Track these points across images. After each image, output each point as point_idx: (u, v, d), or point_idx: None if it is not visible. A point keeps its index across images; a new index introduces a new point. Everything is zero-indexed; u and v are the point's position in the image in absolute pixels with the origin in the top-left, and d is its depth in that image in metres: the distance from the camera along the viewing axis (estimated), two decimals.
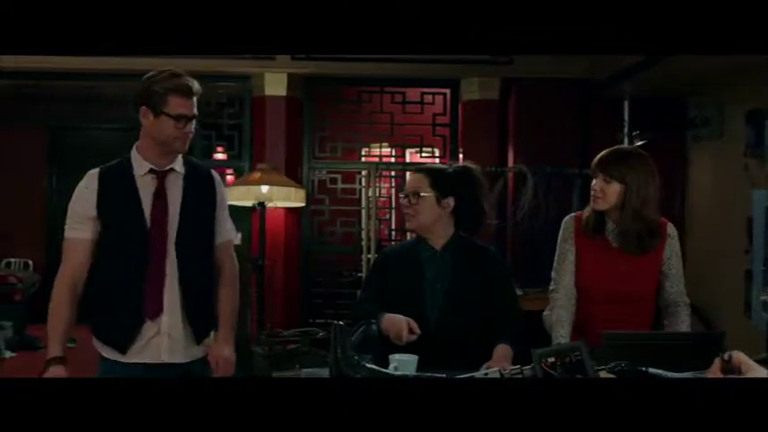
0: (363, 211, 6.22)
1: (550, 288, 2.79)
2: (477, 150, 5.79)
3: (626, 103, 5.80)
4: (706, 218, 5.48)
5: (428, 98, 6.28)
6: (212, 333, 2.68)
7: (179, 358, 2.55)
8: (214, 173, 2.70)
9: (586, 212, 2.76)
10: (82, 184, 2.55)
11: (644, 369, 1.98)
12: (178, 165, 2.58)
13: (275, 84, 5.94)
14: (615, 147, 2.82)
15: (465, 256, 2.71)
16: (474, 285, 2.67)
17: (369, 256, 5.60)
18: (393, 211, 6.48)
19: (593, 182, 2.70)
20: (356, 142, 6.39)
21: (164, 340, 2.52)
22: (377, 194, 5.96)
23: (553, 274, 2.79)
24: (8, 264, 7.55)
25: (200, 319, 2.59)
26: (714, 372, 1.47)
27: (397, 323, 2.52)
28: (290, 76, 5.96)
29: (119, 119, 7.74)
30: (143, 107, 2.50)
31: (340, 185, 6.28)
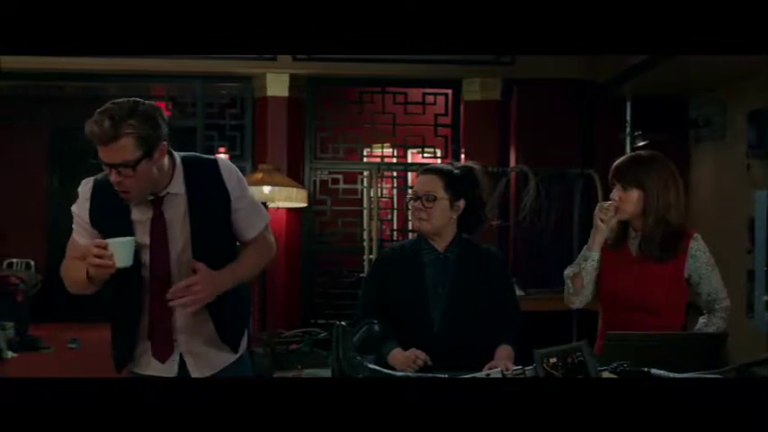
0: (365, 212, 6.21)
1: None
2: (478, 151, 5.78)
3: (628, 104, 5.80)
4: (708, 218, 5.47)
5: (430, 99, 6.28)
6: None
7: (205, 373, 2.43)
8: (222, 163, 2.39)
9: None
10: (79, 189, 2.36)
11: (646, 370, 1.98)
12: (176, 186, 2.31)
13: (277, 84, 5.94)
14: (631, 153, 2.71)
15: (467, 258, 2.70)
16: (476, 287, 2.67)
17: (370, 256, 5.58)
18: (395, 212, 6.45)
19: (612, 192, 2.63)
20: (358, 143, 6.39)
21: (185, 361, 2.40)
22: (378, 195, 5.96)
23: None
24: (10, 264, 7.56)
25: (232, 332, 2.47)
26: None
27: (405, 360, 2.50)
28: (291, 76, 5.96)
29: None
30: None
31: (342, 186, 6.28)
